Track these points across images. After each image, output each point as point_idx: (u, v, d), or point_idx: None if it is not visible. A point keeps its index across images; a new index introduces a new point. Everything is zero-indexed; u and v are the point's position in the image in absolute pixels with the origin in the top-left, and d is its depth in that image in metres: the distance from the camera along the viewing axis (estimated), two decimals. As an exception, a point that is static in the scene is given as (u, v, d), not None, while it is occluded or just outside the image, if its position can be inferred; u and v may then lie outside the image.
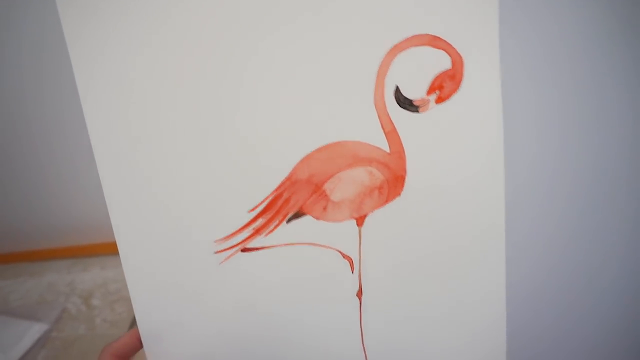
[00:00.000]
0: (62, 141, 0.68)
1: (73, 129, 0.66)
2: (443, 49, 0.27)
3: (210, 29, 0.27)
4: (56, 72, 0.63)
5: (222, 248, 0.29)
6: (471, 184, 0.29)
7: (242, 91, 0.27)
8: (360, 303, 0.31)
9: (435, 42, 0.27)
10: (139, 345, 0.30)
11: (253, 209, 0.29)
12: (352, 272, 0.30)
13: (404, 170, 0.29)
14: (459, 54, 0.27)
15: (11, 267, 0.75)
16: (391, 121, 0.28)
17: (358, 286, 0.30)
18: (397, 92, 0.27)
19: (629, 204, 0.67)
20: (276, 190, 0.29)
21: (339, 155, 0.28)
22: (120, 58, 0.27)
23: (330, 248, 0.30)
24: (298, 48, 0.27)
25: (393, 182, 0.29)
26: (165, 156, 0.28)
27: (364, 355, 0.31)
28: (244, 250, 0.29)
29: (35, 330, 0.59)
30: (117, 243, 0.29)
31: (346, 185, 0.29)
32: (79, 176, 0.70)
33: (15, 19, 0.60)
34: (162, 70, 0.27)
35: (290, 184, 0.28)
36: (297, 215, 0.29)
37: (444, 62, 0.27)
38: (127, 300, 0.31)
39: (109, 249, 0.63)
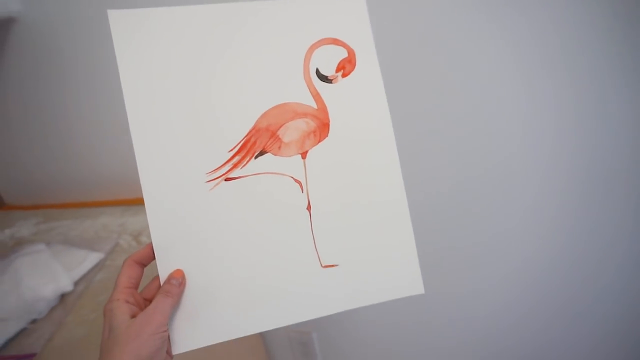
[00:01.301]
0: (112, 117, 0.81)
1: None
2: (341, 45, 0.45)
3: (206, 49, 0.44)
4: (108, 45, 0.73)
5: (212, 178, 0.43)
6: (368, 126, 0.45)
7: (225, 76, 0.44)
8: (310, 215, 0.44)
9: (336, 41, 0.45)
10: (153, 255, 0.41)
11: (232, 149, 0.43)
12: (302, 192, 0.44)
13: (328, 119, 0.45)
14: (351, 48, 0.46)
15: (71, 211, 0.85)
16: (316, 89, 0.45)
17: (307, 202, 0.44)
18: (318, 71, 0.45)
19: (628, 198, 0.66)
20: (246, 135, 0.44)
21: (286, 112, 0.44)
22: (158, 37, 0.43)
23: (286, 175, 0.44)
24: (257, 53, 0.44)
25: (322, 127, 0.45)
26: (176, 116, 0.43)
27: (316, 255, 0.44)
28: (227, 179, 0.43)
29: (93, 257, 0.69)
30: (140, 177, 0.41)
31: (292, 131, 0.44)
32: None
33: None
34: (178, 62, 0.43)
35: (255, 131, 0.44)
36: (262, 153, 0.44)
37: (343, 53, 0.46)
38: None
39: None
